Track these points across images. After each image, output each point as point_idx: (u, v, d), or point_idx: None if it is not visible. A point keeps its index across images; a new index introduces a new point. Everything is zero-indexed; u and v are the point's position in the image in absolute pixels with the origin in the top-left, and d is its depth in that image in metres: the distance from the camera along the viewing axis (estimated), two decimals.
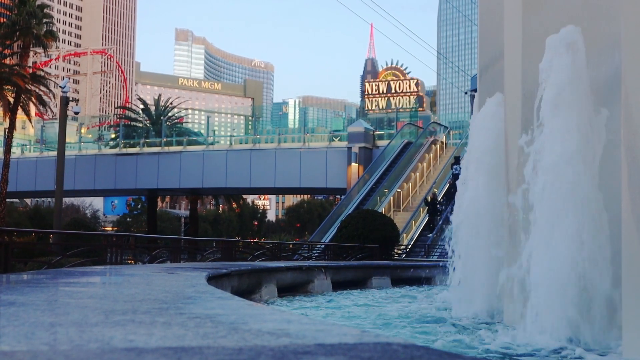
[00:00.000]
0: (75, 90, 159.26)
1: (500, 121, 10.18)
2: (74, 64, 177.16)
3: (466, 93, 52.05)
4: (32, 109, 46.72)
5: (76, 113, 37.00)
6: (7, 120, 41.90)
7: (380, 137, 45.81)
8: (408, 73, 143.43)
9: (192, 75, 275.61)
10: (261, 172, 45.58)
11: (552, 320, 7.02)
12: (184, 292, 5.29)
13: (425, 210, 33.91)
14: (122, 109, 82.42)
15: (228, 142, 51.33)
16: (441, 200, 33.68)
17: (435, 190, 36.42)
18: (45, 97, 44.63)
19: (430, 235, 31.56)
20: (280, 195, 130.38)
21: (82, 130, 77.04)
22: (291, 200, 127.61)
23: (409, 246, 30.99)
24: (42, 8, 46.87)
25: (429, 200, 33.22)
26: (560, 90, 7.47)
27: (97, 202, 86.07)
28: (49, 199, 72.48)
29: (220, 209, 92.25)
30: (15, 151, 50.96)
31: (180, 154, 48.38)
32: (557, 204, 7.25)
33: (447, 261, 11.54)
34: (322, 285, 14.80)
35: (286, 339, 2.54)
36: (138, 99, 76.78)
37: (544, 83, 7.61)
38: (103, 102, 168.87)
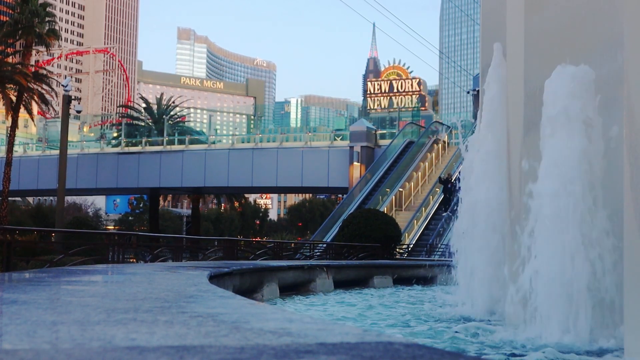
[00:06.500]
0: (78, 89, 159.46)
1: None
2: (77, 63, 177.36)
3: (468, 92, 52.09)
4: (35, 108, 46.81)
5: (78, 112, 37.04)
6: (10, 118, 41.96)
7: (383, 137, 45.81)
8: (410, 72, 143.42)
9: (194, 74, 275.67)
10: (263, 171, 45.61)
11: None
12: (185, 291, 5.29)
13: (440, 190, 33.98)
14: (124, 108, 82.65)
15: (230, 141, 51.39)
16: (455, 180, 33.57)
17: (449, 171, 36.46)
18: (47, 96, 44.69)
19: (444, 214, 31.64)
20: (282, 195, 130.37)
21: (85, 129, 77.29)
22: (293, 199, 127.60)
23: (411, 245, 30.97)
24: (44, 7, 46.92)
25: (442, 179, 33.21)
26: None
27: (99, 201, 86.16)
28: (51, 198, 72.57)
29: (222, 208, 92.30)
30: (18, 150, 51.06)
31: (182, 152, 48.41)
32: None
33: (448, 260, 11.55)
34: (324, 285, 14.80)
35: (288, 338, 2.54)
36: (140, 97, 76.88)
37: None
38: (105, 100, 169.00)
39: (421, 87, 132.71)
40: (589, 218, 7.15)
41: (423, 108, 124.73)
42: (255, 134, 55.52)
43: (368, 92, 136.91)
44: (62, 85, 32.61)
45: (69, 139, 38.28)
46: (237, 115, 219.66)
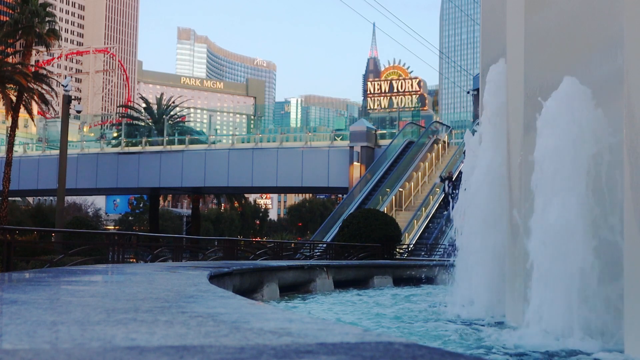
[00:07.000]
0: (78, 88, 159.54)
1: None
2: (77, 63, 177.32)
3: (468, 92, 52.08)
4: (35, 108, 46.75)
5: (78, 112, 37.03)
6: (10, 118, 41.93)
7: (383, 137, 45.82)
8: (410, 72, 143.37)
9: (194, 74, 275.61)
10: (263, 171, 45.62)
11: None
12: (185, 290, 5.29)
13: (441, 189, 33.98)
14: (124, 108, 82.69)
15: (230, 141, 51.39)
16: (456, 178, 33.54)
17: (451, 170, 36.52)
18: (47, 96, 44.64)
19: (445, 212, 31.66)
20: (282, 195, 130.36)
21: (85, 129, 77.28)
22: (293, 199, 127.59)
23: (411, 246, 30.98)
24: (44, 7, 46.90)
25: (443, 177, 33.17)
26: None
27: (99, 201, 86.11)
28: (51, 198, 72.55)
29: (222, 208, 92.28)
30: (18, 150, 51.04)
31: (182, 152, 48.42)
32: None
33: (449, 260, 11.56)
34: (324, 285, 14.81)
35: (288, 338, 2.54)
36: (140, 97, 76.86)
37: None
38: (105, 100, 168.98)
39: (421, 87, 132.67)
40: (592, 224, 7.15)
41: (423, 108, 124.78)
42: (255, 134, 55.57)
43: (368, 92, 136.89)
44: (62, 85, 32.60)
45: (69, 139, 38.29)
46: (237, 115, 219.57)
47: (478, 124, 11.95)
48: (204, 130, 78.01)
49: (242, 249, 21.81)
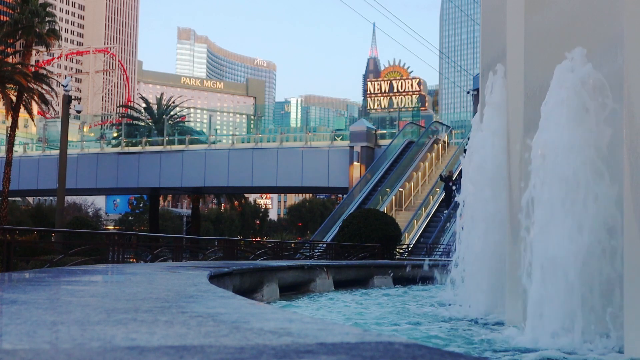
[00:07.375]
0: (78, 89, 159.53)
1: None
2: (77, 63, 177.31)
3: (468, 92, 52.06)
4: (35, 108, 46.78)
5: (78, 112, 37.06)
6: (10, 118, 41.94)
7: (383, 137, 45.82)
8: (410, 72, 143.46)
9: (194, 74, 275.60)
10: (263, 171, 45.62)
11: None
12: (185, 290, 5.29)
13: (441, 188, 34.00)
14: (124, 108, 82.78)
15: (230, 141, 51.38)
16: (456, 178, 33.58)
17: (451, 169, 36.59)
18: (47, 96, 44.65)
19: (446, 211, 31.70)
20: (282, 195, 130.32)
21: (85, 129, 77.25)
22: (293, 199, 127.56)
23: (411, 245, 30.98)
24: (44, 7, 46.91)
25: (444, 177, 33.14)
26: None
27: (99, 201, 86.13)
28: (51, 198, 72.53)
29: (222, 208, 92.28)
30: (18, 150, 51.05)
31: (182, 152, 48.41)
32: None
33: (449, 260, 11.58)
34: (324, 284, 14.81)
35: (288, 338, 2.54)
36: (140, 97, 76.85)
37: None
38: (105, 100, 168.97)
39: (421, 87, 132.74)
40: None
41: (423, 108, 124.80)
42: (255, 134, 55.57)
43: (368, 92, 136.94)
44: (62, 85, 32.62)
45: (69, 139, 38.29)
46: (237, 115, 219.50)
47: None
48: (204, 130, 77.92)
49: (242, 249, 21.80)
